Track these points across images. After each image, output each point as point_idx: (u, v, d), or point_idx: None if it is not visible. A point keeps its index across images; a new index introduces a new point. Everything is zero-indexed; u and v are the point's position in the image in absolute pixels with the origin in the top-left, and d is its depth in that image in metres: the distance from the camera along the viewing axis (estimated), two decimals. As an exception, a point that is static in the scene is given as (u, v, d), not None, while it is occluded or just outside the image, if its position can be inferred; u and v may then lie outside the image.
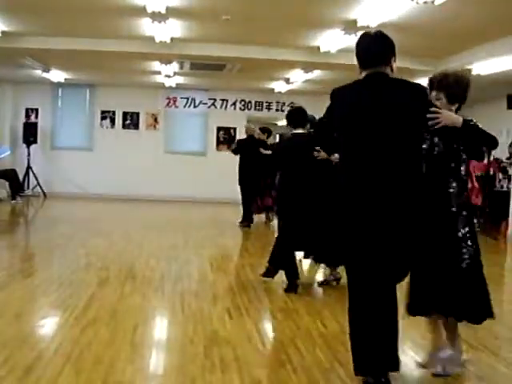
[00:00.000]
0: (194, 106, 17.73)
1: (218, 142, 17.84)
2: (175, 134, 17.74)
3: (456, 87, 4.41)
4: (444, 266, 4.11)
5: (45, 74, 14.38)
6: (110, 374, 3.92)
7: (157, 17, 8.65)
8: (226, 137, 17.82)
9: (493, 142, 4.25)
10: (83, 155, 17.10)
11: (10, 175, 14.84)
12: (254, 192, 12.13)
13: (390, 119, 3.86)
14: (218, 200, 15.62)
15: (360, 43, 4.10)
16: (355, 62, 11.63)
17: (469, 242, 4.16)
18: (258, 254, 9.11)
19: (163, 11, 8.37)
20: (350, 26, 8.73)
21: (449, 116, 3.97)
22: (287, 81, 14.64)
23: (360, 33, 8.92)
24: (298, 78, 13.79)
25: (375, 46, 4.04)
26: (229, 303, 5.96)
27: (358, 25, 8.54)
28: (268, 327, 5.46)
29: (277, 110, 17.96)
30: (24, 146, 16.33)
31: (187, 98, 17.67)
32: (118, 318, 5.26)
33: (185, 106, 17.72)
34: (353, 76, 12.59)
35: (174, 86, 16.18)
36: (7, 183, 15.02)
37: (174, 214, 14.08)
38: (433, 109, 3.89)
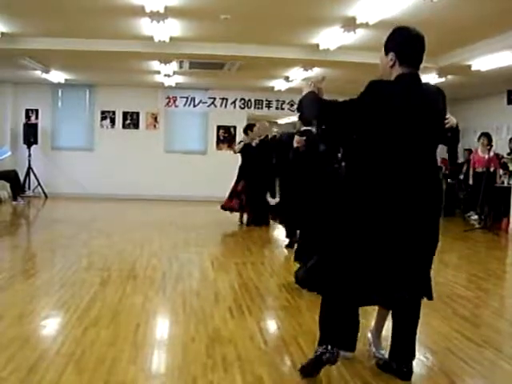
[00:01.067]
0: (194, 105, 17.73)
1: (218, 141, 17.84)
2: (175, 134, 17.75)
3: None
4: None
5: (44, 75, 14.38)
6: (113, 374, 3.93)
7: (155, 16, 8.64)
8: (226, 135, 17.82)
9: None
10: (84, 155, 17.11)
11: (10, 176, 14.83)
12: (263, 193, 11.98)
13: (433, 121, 3.90)
14: (219, 199, 15.60)
15: (411, 39, 3.97)
16: (354, 59, 11.63)
17: None
18: (260, 252, 9.13)
19: (162, 10, 8.36)
20: (348, 23, 8.72)
21: (452, 117, 4.08)
22: (287, 79, 14.63)
23: (359, 30, 9.00)
24: (297, 75, 13.78)
25: (423, 47, 3.98)
26: (230, 302, 5.96)
27: (357, 22, 8.54)
28: (270, 325, 5.46)
29: (277, 108, 17.97)
30: (24, 146, 16.33)
31: (187, 98, 17.66)
32: (120, 318, 5.27)
33: (185, 106, 17.71)
34: (352, 73, 12.68)
35: (173, 85, 16.18)
36: (8, 184, 15.03)
37: (175, 213, 14.09)
38: None
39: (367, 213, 3.83)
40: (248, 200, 11.79)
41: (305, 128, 6.82)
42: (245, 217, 12.17)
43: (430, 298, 4.17)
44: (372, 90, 3.85)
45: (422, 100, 3.85)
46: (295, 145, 6.75)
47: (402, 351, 4.06)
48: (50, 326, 5.13)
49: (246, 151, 12.01)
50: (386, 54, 3.99)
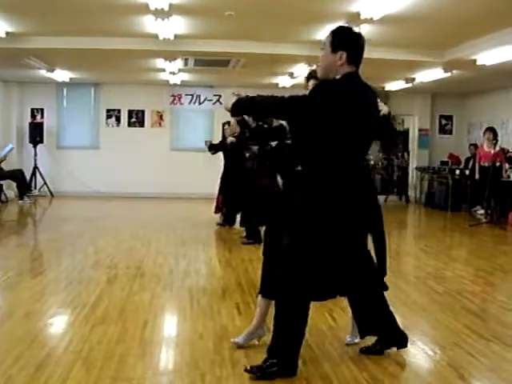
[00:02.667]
0: (199, 103, 17.72)
1: (224, 138, 17.78)
2: (181, 131, 17.74)
3: None
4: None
5: (49, 74, 14.38)
6: (120, 371, 3.94)
7: (160, 14, 8.63)
8: (231, 133, 17.81)
9: None
10: (89, 154, 17.12)
11: (17, 175, 14.86)
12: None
13: (376, 119, 4.04)
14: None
15: (360, 39, 4.03)
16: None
17: None
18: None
19: (166, 8, 8.35)
20: (353, 18, 8.68)
21: (384, 105, 4.30)
22: (291, 75, 14.60)
23: (364, 26, 8.95)
24: (301, 72, 13.74)
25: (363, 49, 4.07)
26: (238, 298, 5.97)
27: (362, 17, 8.51)
28: (277, 321, 5.46)
29: (282, 104, 17.94)
30: (30, 145, 16.36)
31: (192, 95, 17.64)
32: (128, 316, 5.28)
33: (190, 103, 17.70)
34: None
35: (178, 83, 16.17)
36: (14, 183, 15.06)
37: (181, 211, 14.10)
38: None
39: (326, 212, 3.88)
40: (223, 199, 11.42)
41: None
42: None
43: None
44: (324, 88, 3.88)
45: (368, 98, 3.99)
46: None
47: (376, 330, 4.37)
48: (58, 323, 5.15)
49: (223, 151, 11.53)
50: (335, 51, 3.94)
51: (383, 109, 4.23)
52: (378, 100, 4.20)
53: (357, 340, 4.53)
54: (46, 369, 3.94)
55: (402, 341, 4.38)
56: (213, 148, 11.83)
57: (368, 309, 4.31)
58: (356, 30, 4.09)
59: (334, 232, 3.91)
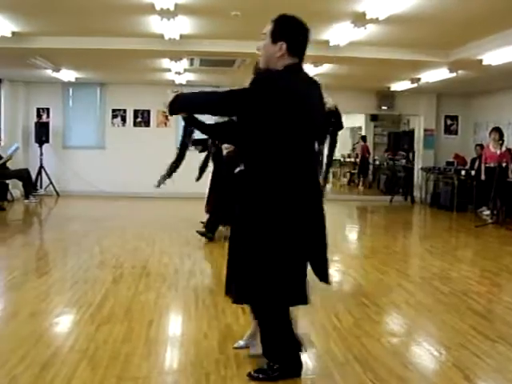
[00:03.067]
0: (205, 103, 17.71)
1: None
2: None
3: None
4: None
5: (55, 74, 14.40)
6: (126, 370, 3.94)
7: (165, 14, 8.64)
8: (237, 132, 17.80)
9: None
10: (95, 154, 17.13)
11: (22, 175, 14.89)
12: None
13: (320, 112, 3.91)
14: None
15: (302, 29, 3.89)
16: (364, 55, 11.60)
17: None
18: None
19: (172, 8, 8.36)
20: (358, 18, 8.69)
21: (330, 99, 4.16)
22: (297, 75, 14.60)
23: (370, 26, 8.97)
24: (308, 72, 13.72)
25: (309, 38, 3.92)
26: (243, 298, 5.96)
27: (367, 17, 8.50)
28: (282, 321, 5.45)
29: (287, 104, 17.93)
30: (36, 145, 16.39)
31: (198, 95, 17.64)
32: (133, 315, 5.28)
33: (195, 103, 17.69)
34: (362, 69, 12.64)
35: (184, 82, 16.16)
36: (20, 183, 15.09)
37: (187, 211, 14.08)
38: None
39: (268, 215, 3.69)
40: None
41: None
42: None
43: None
44: (262, 79, 3.69)
45: (310, 91, 3.83)
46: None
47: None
48: (63, 323, 5.15)
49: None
50: (275, 42, 3.77)
51: (329, 103, 4.07)
52: (325, 94, 4.03)
53: (253, 351, 4.28)
54: (52, 368, 3.94)
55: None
56: (198, 144, 10.25)
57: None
58: (299, 19, 3.96)
59: (280, 237, 3.71)
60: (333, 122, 4.16)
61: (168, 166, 4.49)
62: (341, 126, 4.39)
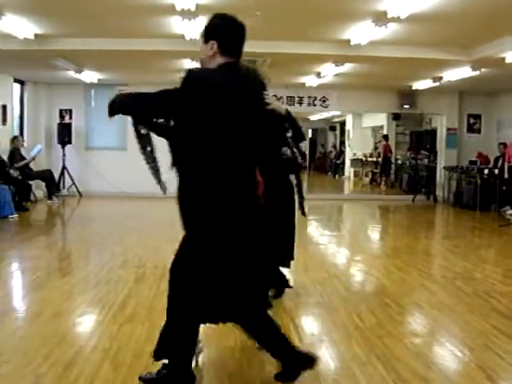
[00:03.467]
0: (226, 103, 17.73)
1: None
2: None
3: None
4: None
5: (78, 75, 14.50)
6: (149, 370, 3.95)
7: (186, 14, 8.67)
8: (258, 132, 17.81)
9: None
10: (117, 154, 17.19)
11: (45, 176, 15.01)
12: None
13: (257, 112, 3.65)
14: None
15: (233, 27, 3.78)
16: (386, 54, 11.51)
17: None
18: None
19: (193, 8, 8.39)
20: (380, 17, 8.66)
21: (278, 103, 3.91)
22: (318, 75, 14.58)
23: (391, 24, 8.92)
24: (328, 71, 13.72)
25: (245, 36, 3.78)
26: (265, 298, 5.95)
27: (389, 16, 8.47)
28: (304, 321, 5.45)
29: (308, 104, 17.89)
30: (59, 146, 16.50)
31: (219, 95, 17.65)
32: (155, 315, 5.29)
33: (217, 103, 17.70)
34: (384, 68, 12.55)
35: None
36: (43, 184, 15.20)
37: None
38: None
39: (202, 221, 3.62)
40: None
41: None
42: None
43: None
44: (191, 77, 3.48)
45: (246, 91, 3.61)
46: None
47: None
48: (86, 322, 5.19)
49: None
50: (206, 42, 3.67)
51: (277, 106, 3.88)
52: (275, 99, 3.85)
53: None
54: (75, 367, 3.97)
55: (306, 361, 3.79)
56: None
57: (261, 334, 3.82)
58: (236, 16, 3.82)
59: (215, 248, 3.60)
60: (287, 128, 3.95)
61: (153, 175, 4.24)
62: (301, 137, 4.21)
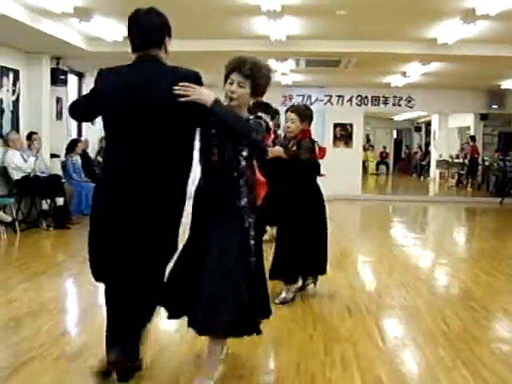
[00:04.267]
0: (310, 103, 17.68)
1: (335, 139, 17.77)
2: (291, 132, 17.78)
3: (263, 79, 3.83)
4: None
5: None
6: (230, 369, 3.98)
7: (272, 15, 8.70)
8: (342, 133, 17.74)
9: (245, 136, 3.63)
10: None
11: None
12: None
13: (155, 108, 3.51)
14: (336, 197, 15.59)
15: (131, 21, 3.68)
16: (474, 52, 11.27)
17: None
18: (376, 250, 9.02)
19: (278, 9, 8.41)
20: (468, 14, 8.47)
21: (202, 91, 3.51)
22: (404, 74, 14.40)
23: (479, 22, 8.72)
24: (414, 71, 13.54)
25: (141, 27, 3.64)
26: (348, 300, 5.92)
27: (477, 13, 8.28)
28: (388, 324, 5.39)
29: (394, 104, 17.70)
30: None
31: (303, 96, 17.66)
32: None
33: (301, 104, 17.70)
34: (472, 67, 12.26)
35: (290, 83, 16.22)
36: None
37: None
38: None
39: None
40: None
41: None
42: None
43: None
44: (98, 75, 3.70)
45: (135, 81, 3.51)
46: None
47: None
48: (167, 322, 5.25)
49: None
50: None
51: (202, 101, 3.54)
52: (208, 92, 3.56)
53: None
54: (158, 364, 4.03)
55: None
56: None
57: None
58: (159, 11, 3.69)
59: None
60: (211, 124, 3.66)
61: None
62: (234, 137, 3.66)
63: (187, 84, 3.46)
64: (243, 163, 3.68)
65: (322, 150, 5.99)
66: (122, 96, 3.54)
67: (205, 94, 3.50)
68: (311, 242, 5.80)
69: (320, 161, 6.02)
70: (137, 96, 3.49)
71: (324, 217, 6.02)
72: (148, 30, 3.61)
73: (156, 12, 3.65)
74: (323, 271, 6.04)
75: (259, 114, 3.81)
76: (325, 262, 6.01)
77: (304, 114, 5.97)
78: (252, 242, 3.68)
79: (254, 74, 3.74)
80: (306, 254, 5.76)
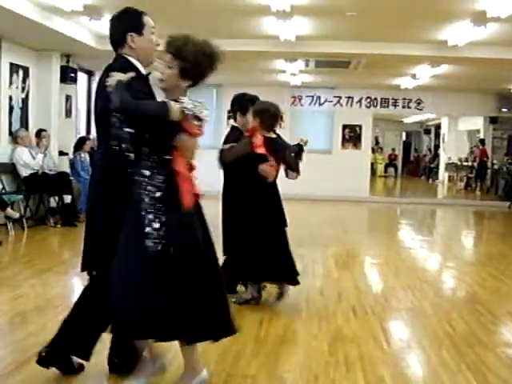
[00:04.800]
0: (320, 104, 17.69)
1: (344, 140, 17.74)
2: (301, 132, 17.71)
3: (195, 60, 3.77)
4: None
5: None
6: (235, 367, 3.99)
7: (281, 15, 8.69)
8: (351, 135, 17.71)
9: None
10: (209, 154, 17.39)
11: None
12: None
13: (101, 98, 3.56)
14: (344, 198, 15.56)
15: (111, 22, 3.77)
16: (485, 55, 11.26)
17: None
18: (383, 253, 9.00)
19: (288, 9, 8.40)
20: (478, 17, 8.45)
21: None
22: (414, 76, 14.38)
23: (490, 24, 8.69)
24: (424, 73, 13.51)
25: (111, 29, 3.72)
26: (354, 301, 5.91)
27: (488, 16, 8.26)
28: (393, 326, 5.38)
29: (403, 106, 17.66)
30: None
31: (312, 96, 17.65)
32: (244, 314, 5.31)
33: (310, 104, 17.69)
34: (482, 70, 12.25)
35: (299, 84, 16.21)
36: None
37: (299, 212, 14.10)
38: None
39: None
40: None
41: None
42: None
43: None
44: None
45: (100, 81, 3.61)
46: None
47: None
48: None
49: None
50: None
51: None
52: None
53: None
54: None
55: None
56: None
57: None
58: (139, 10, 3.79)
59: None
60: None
61: None
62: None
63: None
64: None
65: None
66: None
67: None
68: (257, 244, 5.54)
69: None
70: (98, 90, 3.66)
71: (277, 216, 5.91)
72: (110, 30, 3.71)
73: (121, 11, 3.72)
74: (289, 278, 5.66)
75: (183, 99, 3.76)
76: (286, 266, 5.64)
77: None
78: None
79: (180, 52, 3.61)
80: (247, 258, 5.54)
